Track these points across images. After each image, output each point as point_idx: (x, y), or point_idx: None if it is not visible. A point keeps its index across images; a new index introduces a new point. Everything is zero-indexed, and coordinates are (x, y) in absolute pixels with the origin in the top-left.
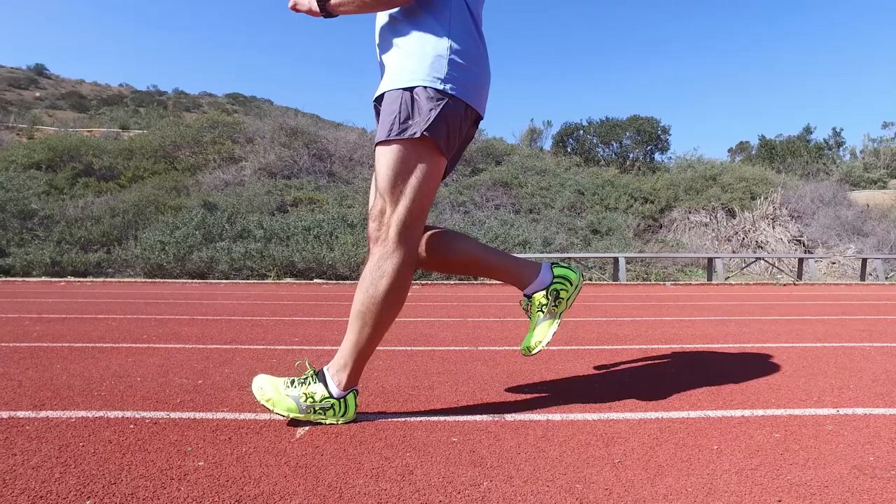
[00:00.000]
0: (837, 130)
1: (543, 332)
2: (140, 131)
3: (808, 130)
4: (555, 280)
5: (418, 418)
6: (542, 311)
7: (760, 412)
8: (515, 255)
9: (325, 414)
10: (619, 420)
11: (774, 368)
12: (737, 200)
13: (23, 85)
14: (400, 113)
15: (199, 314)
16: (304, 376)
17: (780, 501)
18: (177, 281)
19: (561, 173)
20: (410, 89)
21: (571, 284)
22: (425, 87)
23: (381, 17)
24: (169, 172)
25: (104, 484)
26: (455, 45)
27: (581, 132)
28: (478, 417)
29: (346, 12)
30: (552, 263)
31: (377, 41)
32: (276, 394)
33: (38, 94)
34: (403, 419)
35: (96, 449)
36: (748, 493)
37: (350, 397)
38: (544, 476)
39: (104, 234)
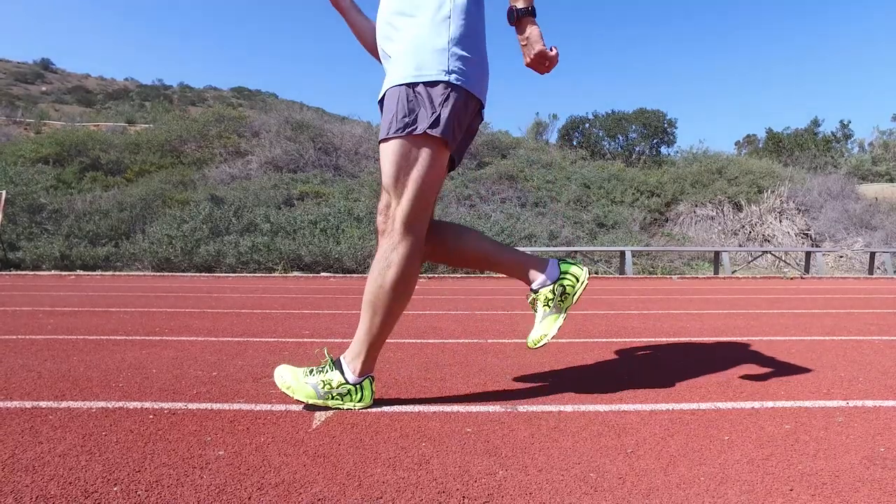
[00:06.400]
0: (845, 123)
1: (548, 326)
2: (146, 125)
3: (815, 123)
4: (561, 276)
5: (432, 409)
6: (548, 305)
7: (770, 404)
8: (521, 248)
9: (342, 399)
10: (630, 411)
11: (783, 361)
12: (743, 194)
13: (29, 79)
14: (400, 110)
15: (208, 307)
16: (322, 365)
17: (791, 490)
18: (184, 274)
19: (567, 167)
20: (412, 85)
21: (578, 280)
22: (426, 82)
23: (383, 13)
24: (175, 166)
25: (129, 472)
26: (455, 37)
27: (587, 125)
28: (490, 408)
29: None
30: (559, 259)
31: (379, 37)
32: (295, 382)
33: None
34: (417, 409)
35: (118, 438)
36: (760, 482)
37: (366, 383)
38: (558, 465)
39: (112, 228)
